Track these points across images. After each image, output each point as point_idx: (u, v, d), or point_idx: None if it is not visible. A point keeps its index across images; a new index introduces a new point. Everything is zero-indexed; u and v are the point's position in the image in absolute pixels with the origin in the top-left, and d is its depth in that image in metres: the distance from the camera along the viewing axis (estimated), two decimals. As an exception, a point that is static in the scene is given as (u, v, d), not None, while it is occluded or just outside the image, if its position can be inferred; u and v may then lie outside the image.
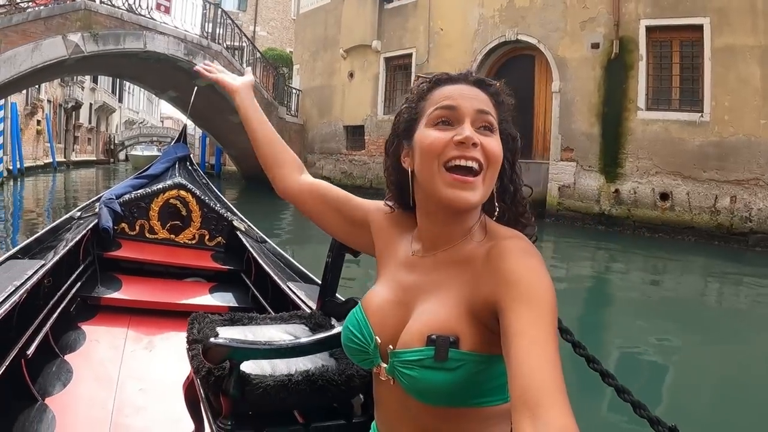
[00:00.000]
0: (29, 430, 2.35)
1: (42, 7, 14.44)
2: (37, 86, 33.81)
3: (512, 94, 1.29)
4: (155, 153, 38.20)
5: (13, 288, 2.63)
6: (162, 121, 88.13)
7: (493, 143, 1.17)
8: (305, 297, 3.03)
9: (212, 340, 1.78)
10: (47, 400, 2.61)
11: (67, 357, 3.14)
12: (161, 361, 3.19)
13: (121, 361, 3.18)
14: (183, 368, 2.30)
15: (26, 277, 2.83)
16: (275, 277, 3.61)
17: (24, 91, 31.15)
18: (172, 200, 4.82)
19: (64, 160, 40.62)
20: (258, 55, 23.91)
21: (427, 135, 1.19)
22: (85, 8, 14.99)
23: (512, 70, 18.37)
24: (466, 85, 1.23)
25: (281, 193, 1.63)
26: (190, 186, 4.93)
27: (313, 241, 10.98)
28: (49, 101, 37.13)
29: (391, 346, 1.19)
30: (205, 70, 1.83)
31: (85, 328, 3.61)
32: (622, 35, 15.18)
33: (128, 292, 4.10)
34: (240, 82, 1.73)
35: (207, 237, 4.93)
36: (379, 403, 1.30)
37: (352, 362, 1.52)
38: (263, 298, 3.93)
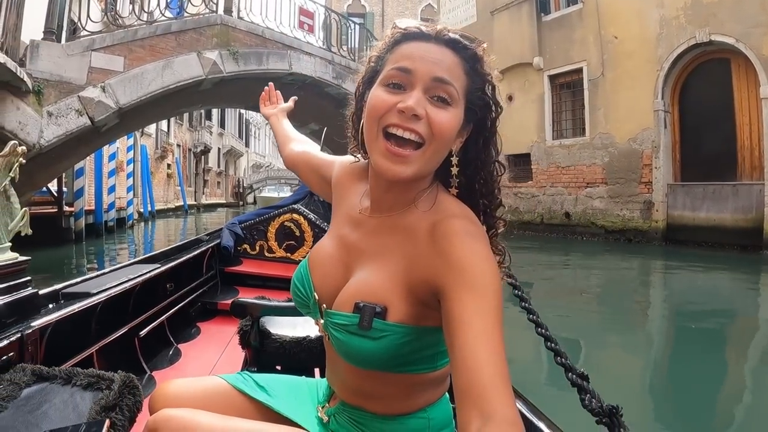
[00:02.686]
0: None
1: (172, 21, 11.65)
2: (166, 130, 33.73)
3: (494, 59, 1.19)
4: (284, 194, 36.95)
5: (126, 279, 3.02)
6: None
7: (443, 116, 1.09)
8: None
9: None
10: (154, 373, 3.09)
11: (180, 345, 3.62)
12: None
13: (223, 351, 3.54)
14: None
15: (139, 274, 3.19)
16: None
17: (153, 135, 30.79)
18: (286, 222, 5.25)
19: (195, 203, 40.77)
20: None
21: (375, 95, 1.13)
22: (222, 23, 12.28)
23: (704, 78, 14.98)
24: (436, 45, 1.11)
25: (285, 165, 1.84)
26: (302, 210, 5.25)
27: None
28: (178, 145, 37.07)
29: (325, 305, 1.22)
30: (265, 99, 2.15)
31: (201, 326, 4.10)
32: (838, 24, 11.68)
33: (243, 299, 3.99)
34: (276, 109, 2.06)
35: None
36: (326, 354, 1.34)
37: None
38: None
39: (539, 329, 1.38)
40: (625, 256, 14.28)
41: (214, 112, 46.37)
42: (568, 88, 18.06)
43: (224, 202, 50.13)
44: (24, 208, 2.12)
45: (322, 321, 1.23)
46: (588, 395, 1.19)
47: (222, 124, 49.83)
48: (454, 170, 1.17)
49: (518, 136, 18.94)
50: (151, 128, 30.36)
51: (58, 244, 14.49)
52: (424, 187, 1.18)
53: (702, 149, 14.95)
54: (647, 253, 14.45)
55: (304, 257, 4.24)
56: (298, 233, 5.21)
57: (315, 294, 1.26)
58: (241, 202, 55.37)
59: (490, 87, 1.16)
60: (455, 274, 0.97)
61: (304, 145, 1.80)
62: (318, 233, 5.19)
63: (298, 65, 13.84)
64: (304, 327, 2.32)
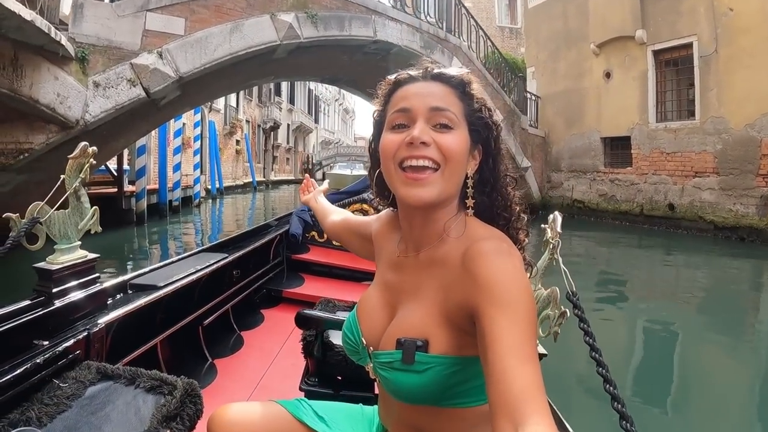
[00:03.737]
0: (194, 378, 2.23)
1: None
2: (235, 105, 33.31)
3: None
4: (357, 172, 36.65)
5: (194, 270, 3.01)
6: (355, 141, 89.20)
7: (449, 139, 1.15)
8: None
9: (301, 311, 2.26)
10: (215, 361, 3.16)
11: (243, 333, 3.67)
12: None
13: (286, 339, 3.54)
14: None
15: (206, 264, 3.19)
16: None
17: (222, 111, 30.39)
18: (355, 212, 4.80)
19: (263, 179, 40.38)
20: (487, 54, 18.83)
21: (385, 139, 1.21)
22: (298, -19, 10.51)
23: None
24: (424, 82, 1.22)
25: (328, 235, 1.98)
26: (370, 200, 5.01)
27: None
28: (247, 121, 36.73)
29: (371, 348, 1.23)
30: (304, 189, 2.22)
31: (265, 313, 4.15)
32: None
33: (308, 288, 4.53)
34: (312, 194, 2.14)
35: None
36: (379, 397, 1.35)
37: None
38: None
39: (616, 404, 1.20)
40: (736, 257, 12.39)
41: (284, 87, 45.94)
42: (674, 65, 15.90)
43: (293, 178, 49.76)
44: (94, 207, 2.11)
45: (371, 365, 1.23)
46: None
47: (291, 100, 49.09)
48: (470, 191, 1.20)
49: (616, 118, 16.95)
50: (220, 104, 30.02)
51: (118, 226, 13.41)
52: (452, 214, 1.20)
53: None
54: (763, 255, 12.54)
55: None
56: None
57: (363, 339, 1.26)
58: (310, 179, 54.72)
59: (485, 108, 1.21)
60: (485, 292, 0.98)
61: (340, 214, 1.90)
62: None
63: (384, 32, 12.15)
64: None
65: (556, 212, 1.47)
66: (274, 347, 3.45)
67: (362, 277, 4.82)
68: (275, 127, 43.25)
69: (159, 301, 2.56)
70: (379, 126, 1.28)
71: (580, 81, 18.43)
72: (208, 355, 3.16)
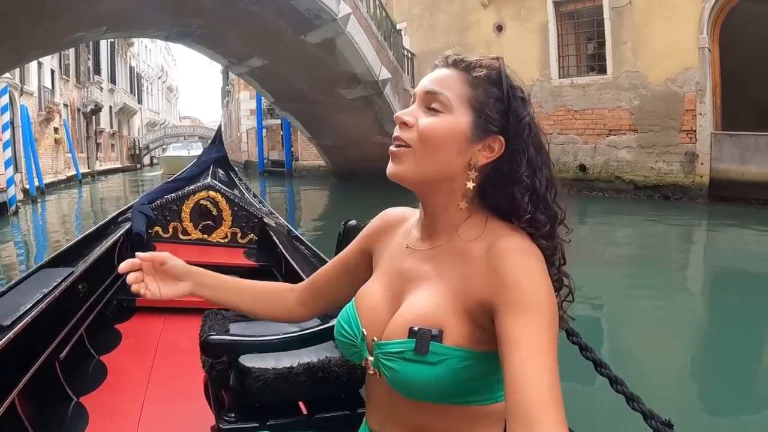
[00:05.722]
0: (63, 427, 2.36)
1: None
2: (50, 87, 29.00)
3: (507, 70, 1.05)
4: (196, 152, 33.30)
5: (41, 296, 2.52)
6: (181, 120, 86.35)
7: (429, 120, 1.03)
8: None
9: (209, 336, 1.76)
10: (82, 399, 2.61)
11: (103, 357, 3.16)
12: (193, 357, 2.42)
13: (153, 360, 3.11)
14: None
15: (54, 285, 2.73)
16: (300, 272, 3.35)
17: (35, 94, 26.13)
18: (202, 201, 4.69)
19: (88, 170, 35.80)
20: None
21: None
22: None
23: (753, 11, 12.28)
24: (441, 68, 1.09)
25: (308, 317, 1.44)
26: (218, 186, 4.75)
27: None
28: (65, 105, 32.34)
29: (375, 338, 1.08)
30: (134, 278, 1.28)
31: (121, 329, 3.62)
32: None
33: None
34: (190, 277, 1.32)
35: (239, 235, 4.78)
36: (369, 398, 1.20)
37: None
38: None
39: (616, 379, 1.28)
40: (661, 216, 12.02)
41: (103, 64, 41.50)
42: (578, 17, 14.56)
43: (120, 166, 45.09)
44: None
45: (371, 358, 1.07)
46: None
47: (113, 79, 44.25)
48: (470, 184, 1.03)
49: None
50: (32, 85, 25.57)
51: None
52: (465, 216, 1.06)
53: (749, 94, 12.70)
54: (689, 212, 12.22)
55: (224, 239, 4.64)
56: (215, 212, 4.69)
57: (363, 330, 1.10)
58: (138, 165, 50.68)
59: (510, 98, 1.02)
60: (507, 291, 0.90)
61: (300, 286, 1.39)
62: (238, 211, 4.72)
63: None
64: (285, 357, 1.83)
65: None
66: (142, 371, 2.88)
67: (215, 271, 3.41)
68: (97, 110, 38.38)
69: (7, 346, 1.98)
70: None
71: (464, 35, 16.51)
72: (71, 394, 2.58)
